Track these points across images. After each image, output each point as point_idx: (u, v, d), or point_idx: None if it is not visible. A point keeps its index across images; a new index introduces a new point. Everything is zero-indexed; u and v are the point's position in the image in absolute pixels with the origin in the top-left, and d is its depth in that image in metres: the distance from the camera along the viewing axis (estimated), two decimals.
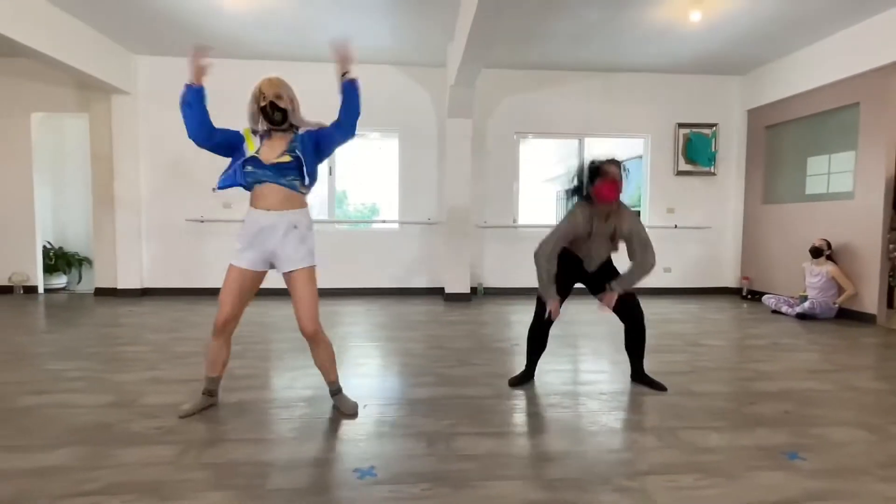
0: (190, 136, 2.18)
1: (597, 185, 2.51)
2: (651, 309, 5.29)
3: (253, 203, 2.21)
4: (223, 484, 1.72)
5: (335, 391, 2.42)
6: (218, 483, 1.73)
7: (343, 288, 6.02)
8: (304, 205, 2.27)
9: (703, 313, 5.15)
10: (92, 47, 4.97)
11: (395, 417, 2.33)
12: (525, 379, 2.82)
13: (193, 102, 2.13)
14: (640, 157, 6.59)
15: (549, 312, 2.62)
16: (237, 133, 2.23)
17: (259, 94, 2.18)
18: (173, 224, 5.88)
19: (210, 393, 2.39)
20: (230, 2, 4.26)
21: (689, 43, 5.20)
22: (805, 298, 5.00)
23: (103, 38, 5.13)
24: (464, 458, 1.93)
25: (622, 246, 2.68)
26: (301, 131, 2.24)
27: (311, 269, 2.25)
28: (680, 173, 6.32)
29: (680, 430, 2.21)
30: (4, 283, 5.86)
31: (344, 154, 6.28)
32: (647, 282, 6.30)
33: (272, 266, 2.27)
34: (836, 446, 2.06)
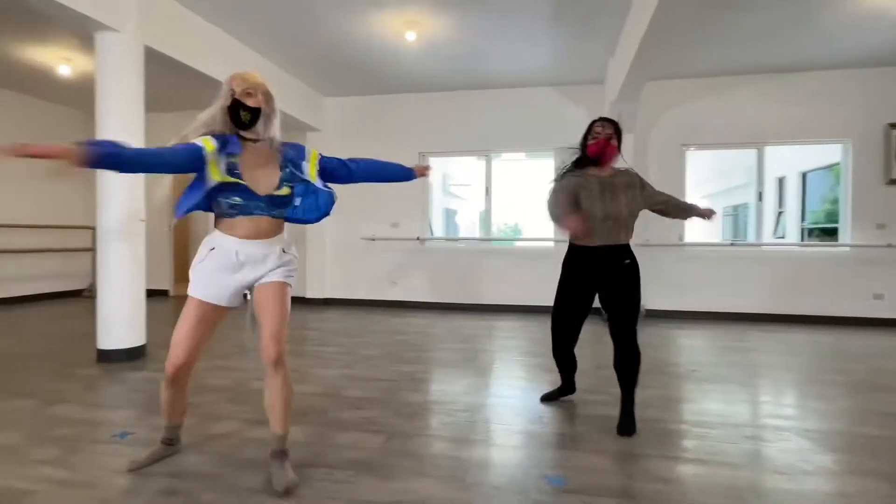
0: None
1: (589, 145, 2.40)
2: (855, 341, 4.51)
3: (226, 229, 1.75)
4: (427, 472, 1.91)
5: (280, 451, 1.82)
6: (423, 471, 1.92)
7: (497, 304, 6.19)
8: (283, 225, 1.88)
9: None
10: (292, 93, 5.91)
11: (576, 432, 2.34)
12: (561, 394, 2.73)
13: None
14: (830, 166, 5.71)
15: (572, 226, 2.26)
16: (195, 148, 1.64)
17: (227, 91, 1.72)
18: (350, 242, 6.64)
19: (170, 442, 1.98)
20: (405, 44, 4.75)
21: None
22: None
23: (300, 83, 6.07)
24: (657, 479, 1.87)
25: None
26: (281, 147, 1.82)
27: (287, 286, 1.85)
28: (893, 182, 5.33)
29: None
30: None
31: (494, 174, 6.51)
32: (849, 309, 5.43)
33: (245, 298, 1.88)
34: None
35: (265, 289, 1.79)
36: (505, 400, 2.83)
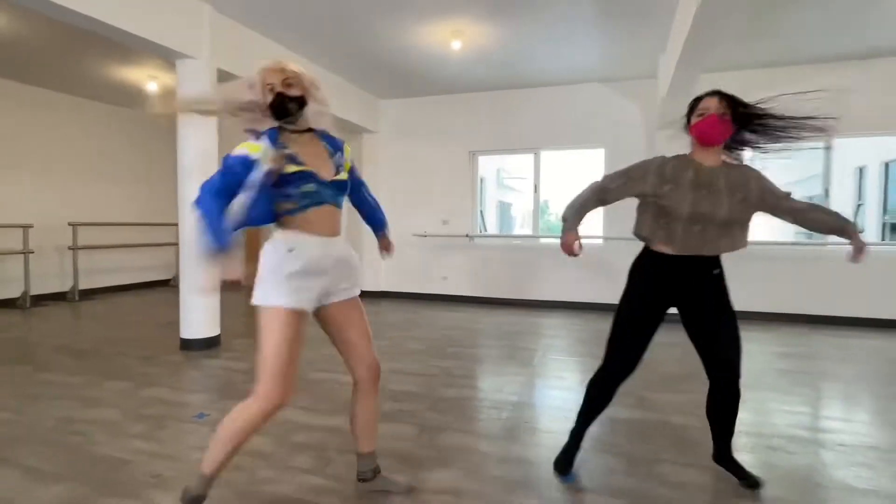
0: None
1: (693, 125, 1.85)
2: None
3: (304, 228, 1.62)
4: (450, 464, 2.13)
5: (374, 470, 1.87)
6: (446, 462, 2.14)
7: (543, 300, 6.28)
8: None
9: None
10: (349, 97, 6.25)
11: (596, 433, 2.46)
12: (574, 454, 2.07)
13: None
14: None
15: (565, 245, 1.95)
16: (245, 159, 1.55)
17: (262, 86, 1.61)
18: (403, 238, 6.95)
19: (198, 500, 1.62)
20: (451, 51, 4.91)
21: None
22: None
23: (356, 88, 6.39)
24: (667, 484, 1.98)
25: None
26: (325, 136, 1.75)
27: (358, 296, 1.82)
28: None
29: None
30: None
31: (545, 166, 6.54)
32: None
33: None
34: None
35: (350, 307, 1.75)
36: (534, 399, 3.00)
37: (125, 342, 4.26)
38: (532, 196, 6.64)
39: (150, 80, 5.87)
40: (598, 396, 2.02)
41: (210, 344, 4.08)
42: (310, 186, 1.60)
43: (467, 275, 6.68)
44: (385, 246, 2.22)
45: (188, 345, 4.04)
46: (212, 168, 4.09)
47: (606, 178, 2.00)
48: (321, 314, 1.72)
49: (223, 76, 4.19)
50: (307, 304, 1.62)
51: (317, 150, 1.69)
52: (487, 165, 6.97)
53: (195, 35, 3.91)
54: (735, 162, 1.95)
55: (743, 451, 2.27)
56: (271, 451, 2.23)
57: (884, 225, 7.62)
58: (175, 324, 4.16)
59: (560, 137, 6.30)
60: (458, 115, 6.62)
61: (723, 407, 1.93)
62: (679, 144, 2.01)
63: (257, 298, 1.60)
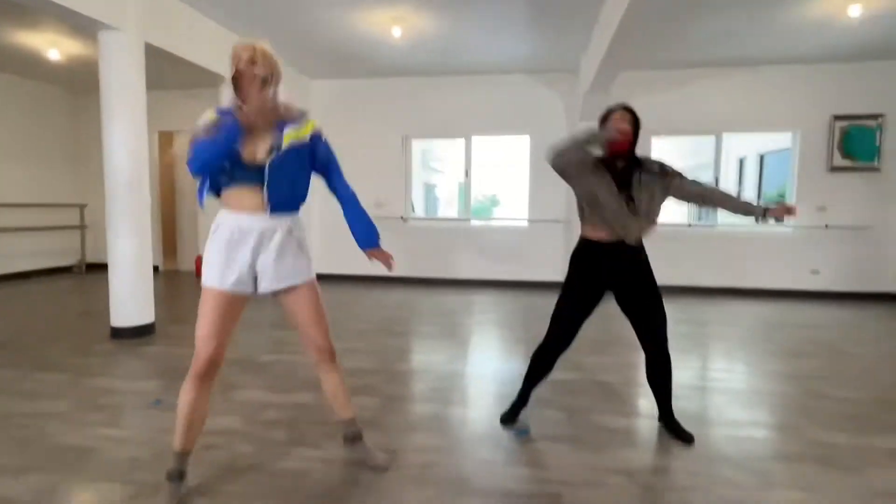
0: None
1: (608, 140, 2.12)
2: (790, 313, 5.13)
3: (229, 204, 1.73)
4: (420, 428, 2.37)
5: (355, 436, 2.00)
6: (415, 427, 2.38)
7: (475, 279, 6.65)
8: None
9: (853, 319, 4.87)
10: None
11: (540, 394, 2.79)
12: (519, 408, 2.42)
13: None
14: (785, 150, 6.24)
15: (612, 131, 2.11)
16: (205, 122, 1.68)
17: (232, 59, 1.69)
18: (337, 220, 6.93)
19: (179, 475, 1.77)
20: (395, 35, 4.99)
21: (848, 33, 4.87)
22: None
23: (287, 67, 6.25)
24: (600, 430, 2.37)
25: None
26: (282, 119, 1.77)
27: (315, 281, 1.90)
28: (835, 169, 5.88)
29: (806, 427, 2.40)
30: None
31: (474, 149, 6.84)
32: (789, 283, 6.03)
33: (254, 289, 1.78)
34: None
35: (298, 296, 1.83)
36: (480, 369, 3.31)
37: (45, 333, 3.99)
38: (458, 178, 6.94)
39: (50, 46, 5.33)
40: (541, 365, 2.36)
41: (143, 332, 3.94)
42: (227, 165, 1.67)
43: (402, 256, 6.83)
44: (373, 256, 2.03)
45: (119, 333, 3.87)
46: (142, 151, 3.90)
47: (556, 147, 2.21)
48: (278, 300, 1.84)
49: (152, 52, 3.98)
50: (233, 285, 1.70)
51: (265, 129, 1.71)
52: (414, 147, 7.13)
53: (119, 4, 3.66)
54: (643, 158, 2.23)
55: (651, 399, 2.72)
56: (245, 429, 2.32)
57: None
58: (94, 312, 3.96)
59: (489, 124, 6.62)
60: (393, 98, 6.70)
61: (659, 371, 2.29)
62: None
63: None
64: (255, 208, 1.71)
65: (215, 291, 1.71)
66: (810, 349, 3.77)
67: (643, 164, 2.19)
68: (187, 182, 7.71)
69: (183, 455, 1.77)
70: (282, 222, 1.76)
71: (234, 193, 1.72)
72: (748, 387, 2.99)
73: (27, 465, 2.01)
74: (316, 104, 6.82)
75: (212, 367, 1.72)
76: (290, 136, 1.74)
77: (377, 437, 2.22)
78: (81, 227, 7.50)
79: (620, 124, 2.13)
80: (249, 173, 1.69)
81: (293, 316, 1.85)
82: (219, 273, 1.70)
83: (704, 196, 2.22)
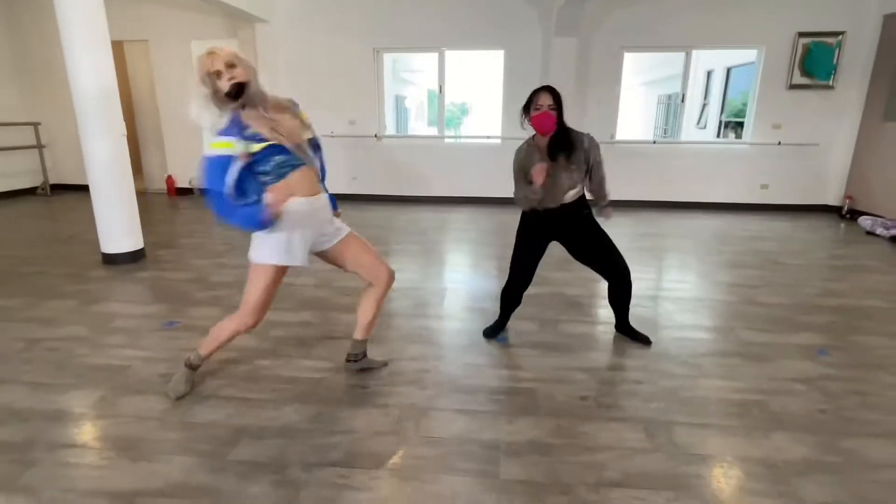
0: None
1: (532, 117, 2.38)
2: (740, 226, 5.62)
3: (295, 191, 1.88)
4: (413, 340, 2.72)
5: (360, 353, 2.35)
6: (409, 339, 2.73)
7: (450, 196, 6.87)
8: None
9: (793, 232, 5.40)
10: None
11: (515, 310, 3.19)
12: (499, 328, 2.82)
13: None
14: (750, 63, 6.40)
15: (534, 183, 2.35)
16: (222, 158, 1.75)
17: (205, 76, 1.74)
18: None
19: (196, 368, 2.21)
20: None
21: None
22: None
23: None
24: (567, 335, 2.78)
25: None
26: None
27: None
28: (793, 87, 6.12)
29: (738, 329, 2.88)
30: (187, 185, 7.35)
31: (447, 64, 6.76)
32: (741, 197, 6.46)
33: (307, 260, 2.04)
34: (864, 349, 2.64)
35: (347, 242, 2.14)
36: (463, 284, 3.65)
37: (36, 260, 4.07)
38: (428, 87, 6.86)
39: None
40: (509, 299, 2.79)
41: (136, 258, 4.07)
42: (280, 158, 1.81)
43: (376, 174, 6.95)
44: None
45: (112, 259, 4.00)
46: (107, 60, 3.74)
47: (516, 181, 2.53)
48: (324, 257, 2.14)
49: None
50: (295, 260, 1.96)
51: (281, 116, 1.85)
52: (385, 59, 6.93)
53: None
54: (572, 132, 2.49)
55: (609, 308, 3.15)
56: (259, 345, 2.62)
57: (720, 123, 9.14)
58: (80, 238, 4.02)
59: (463, 37, 6.45)
60: (362, 7, 6.39)
61: (621, 296, 2.67)
62: None
63: (252, 256, 1.96)
64: (317, 188, 1.98)
65: (276, 267, 1.96)
66: (752, 260, 4.25)
67: (572, 137, 2.46)
68: (146, 96, 7.37)
69: (205, 358, 2.19)
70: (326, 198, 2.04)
71: (296, 179, 1.88)
72: (695, 295, 3.44)
73: (69, 383, 2.26)
74: (279, 13, 6.45)
75: (256, 326, 2.07)
76: (303, 115, 1.98)
77: (375, 350, 2.56)
78: (39, 147, 7.18)
79: (542, 107, 2.35)
80: (298, 157, 1.87)
81: (344, 264, 2.16)
82: (284, 251, 1.93)
83: (597, 184, 2.60)
